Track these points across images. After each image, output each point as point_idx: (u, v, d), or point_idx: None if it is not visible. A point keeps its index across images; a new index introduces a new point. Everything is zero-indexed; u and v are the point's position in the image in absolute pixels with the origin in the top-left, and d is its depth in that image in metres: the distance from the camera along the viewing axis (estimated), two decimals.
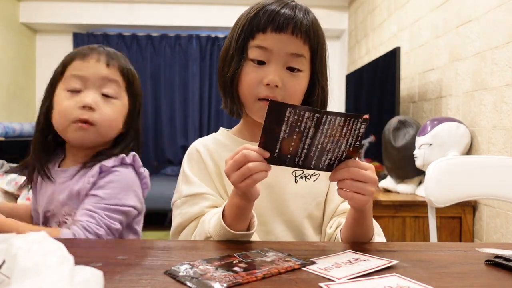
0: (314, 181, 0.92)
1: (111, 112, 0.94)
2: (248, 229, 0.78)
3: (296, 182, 0.90)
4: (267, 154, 0.68)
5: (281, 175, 0.88)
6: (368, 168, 0.71)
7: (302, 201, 0.91)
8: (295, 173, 0.91)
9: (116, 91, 0.95)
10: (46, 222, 0.96)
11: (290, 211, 0.90)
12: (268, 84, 0.83)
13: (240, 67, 0.86)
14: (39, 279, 0.35)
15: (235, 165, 0.69)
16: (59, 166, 0.99)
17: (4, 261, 0.41)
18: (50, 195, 0.95)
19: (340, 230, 0.84)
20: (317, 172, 0.91)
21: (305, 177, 0.91)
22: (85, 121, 0.91)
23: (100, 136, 0.95)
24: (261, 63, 0.85)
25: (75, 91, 0.92)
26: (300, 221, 0.90)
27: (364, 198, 0.71)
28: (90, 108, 0.91)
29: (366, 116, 0.66)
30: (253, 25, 0.84)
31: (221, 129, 1.00)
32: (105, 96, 0.94)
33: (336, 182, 0.72)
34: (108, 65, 0.94)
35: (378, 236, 0.84)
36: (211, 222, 0.80)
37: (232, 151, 0.72)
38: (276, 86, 0.83)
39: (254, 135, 0.92)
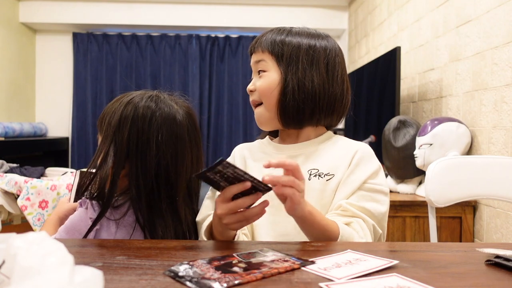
0: (327, 180, 0.92)
1: None
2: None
3: (309, 180, 0.92)
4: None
5: None
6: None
7: (312, 200, 0.89)
8: (311, 171, 0.93)
9: None
10: None
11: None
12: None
13: None
14: (39, 279, 0.35)
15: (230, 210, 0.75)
16: None
17: (4, 261, 0.41)
18: None
19: None
20: (331, 172, 0.93)
21: (319, 175, 0.93)
22: None
23: None
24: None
25: None
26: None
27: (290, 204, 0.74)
28: None
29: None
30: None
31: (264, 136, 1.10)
32: None
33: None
34: None
35: (361, 239, 0.84)
36: (201, 231, 0.92)
37: (266, 154, 0.87)
38: (251, 91, 1.00)
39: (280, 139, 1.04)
